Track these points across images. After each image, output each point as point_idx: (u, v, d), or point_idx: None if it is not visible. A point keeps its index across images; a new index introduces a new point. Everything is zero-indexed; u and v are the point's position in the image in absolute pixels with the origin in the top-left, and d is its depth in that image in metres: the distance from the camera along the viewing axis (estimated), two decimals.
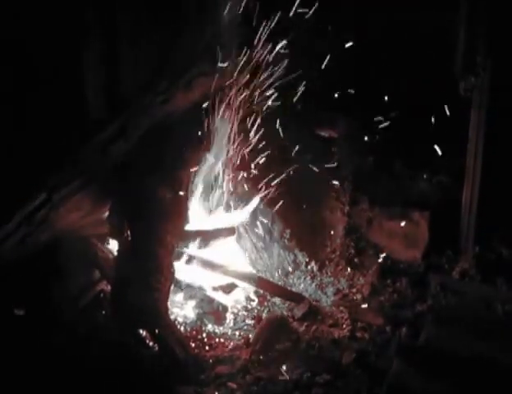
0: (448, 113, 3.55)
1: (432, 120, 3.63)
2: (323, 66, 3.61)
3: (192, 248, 3.36)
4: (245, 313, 3.38)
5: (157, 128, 3.05)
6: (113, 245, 3.34)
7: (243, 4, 3.31)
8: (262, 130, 3.55)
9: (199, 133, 3.21)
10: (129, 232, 3.07)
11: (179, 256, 3.29)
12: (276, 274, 3.67)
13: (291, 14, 3.46)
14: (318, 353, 2.94)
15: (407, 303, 3.28)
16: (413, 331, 2.94)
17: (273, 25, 3.41)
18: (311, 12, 3.47)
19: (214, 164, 3.53)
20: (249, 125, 3.55)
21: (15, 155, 2.94)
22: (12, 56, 2.98)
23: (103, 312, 3.22)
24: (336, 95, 3.75)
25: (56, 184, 2.96)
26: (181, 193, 3.11)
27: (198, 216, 3.52)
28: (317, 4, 3.43)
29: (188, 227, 3.30)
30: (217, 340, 3.18)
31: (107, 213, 3.18)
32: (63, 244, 3.10)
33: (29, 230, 2.87)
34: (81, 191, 3.04)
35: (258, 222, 3.75)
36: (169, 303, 3.10)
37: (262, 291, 3.47)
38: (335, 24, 3.69)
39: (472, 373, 2.50)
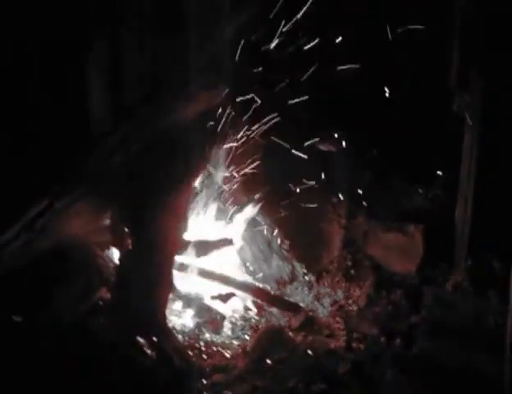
0: (443, 129, 3.62)
1: (428, 135, 3.70)
2: (321, 80, 3.68)
3: (191, 257, 3.40)
4: (243, 323, 3.41)
5: (160, 139, 3.08)
6: (114, 253, 3.38)
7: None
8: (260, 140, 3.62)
9: (201, 145, 3.27)
10: (129, 241, 3.11)
11: (178, 265, 3.33)
12: (274, 284, 3.71)
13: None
14: (314, 362, 2.97)
15: (401, 314, 3.32)
16: (407, 342, 2.98)
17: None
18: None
19: (213, 175, 3.59)
20: (248, 137, 3.61)
21: (17, 162, 2.96)
22: (16, 62, 3.02)
23: (102, 320, 3.24)
24: (334, 109, 3.82)
25: (58, 191, 2.97)
26: (182, 203, 3.15)
27: (197, 225, 3.57)
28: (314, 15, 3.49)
29: (187, 237, 3.34)
30: (214, 348, 3.20)
31: (108, 222, 3.22)
32: (64, 251, 3.12)
33: (30, 236, 2.87)
34: (83, 199, 3.05)
35: (257, 233, 3.80)
36: (167, 311, 3.14)
37: (259, 301, 3.51)
38: (332, 37, 3.75)
39: (463, 384, 2.54)
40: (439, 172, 3.81)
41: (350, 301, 3.57)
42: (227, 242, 3.53)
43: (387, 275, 3.70)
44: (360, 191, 3.93)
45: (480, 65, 3.41)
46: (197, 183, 3.47)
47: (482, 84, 3.43)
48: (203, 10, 3.19)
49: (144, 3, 3.22)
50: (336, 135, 3.99)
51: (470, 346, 2.74)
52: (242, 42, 3.44)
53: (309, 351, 3.06)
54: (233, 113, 3.50)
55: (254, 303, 3.51)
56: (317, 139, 3.91)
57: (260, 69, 3.55)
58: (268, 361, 3.01)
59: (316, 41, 3.60)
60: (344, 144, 3.96)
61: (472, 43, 3.42)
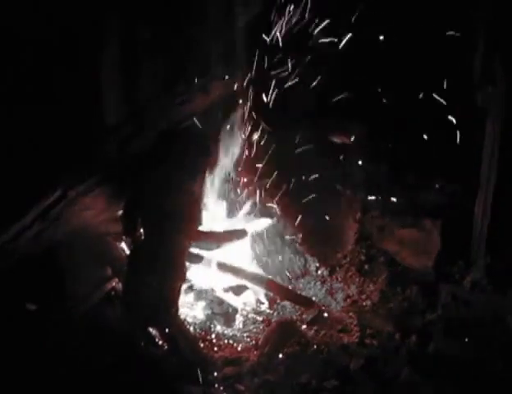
0: (464, 122, 3.54)
1: (447, 128, 3.63)
2: (337, 72, 3.63)
3: (204, 249, 3.38)
4: (255, 316, 3.39)
5: (175, 129, 3.07)
6: (126, 244, 3.37)
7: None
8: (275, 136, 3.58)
9: (217, 135, 3.24)
10: (142, 231, 3.09)
11: (191, 257, 3.31)
12: (287, 278, 3.68)
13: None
14: (327, 358, 2.94)
15: (417, 311, 3.26)
16: (423, 339, 2.93)
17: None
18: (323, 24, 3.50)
19: (228, 167, 3.56)
20: (262, 132, 3.58)
21: (33, 151, 2.97)
22: (33, 56, 3.02)
23: (114, 310, 3.24)
24: (350, 101, 3.76)
25: (71, 181, 2.99)
26: (196, 194, 3.13)
27: (211, 217, 3.55)
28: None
29: (201, 228, 3.31)
30: (225, 341, 3.20)
31: (121, 212, 3.21)
32: (77, 240, 3.13)
33: (43, 226, 2.90)
34: (96, 189, 3.06)
35: (270, 226, 3.76)
36: (179, 303, 3.13)
37: (272, 294, 3.48)
38: (351, 29, 3.69)
39: (481, 384, 2.49)
40: (459, 167, 3.72)
41: (364, 296, 3.52)
42: (242, 234, 3.50)
43: (402, 271, 3.63)
44: (376, 185, 3.86)
45: (504, 58, 3.33)
46: (212, 173, 3.43)
47: (506, 77, 3.34)
48: (216, 3, 3.16)
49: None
50: (351, 128, 3.93)
51: (487, 345, 2.68)
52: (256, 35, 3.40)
53: (322, 346, 3.03)
54: (248, 105, 3.46)
55: (267, 296, 3.48)
56: (332, 132, 3.86)
57: (275, 61, 3.51)
58: (280, 355, 2.99)
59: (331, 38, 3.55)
60: (359, 137, 3.90)
61: (496, 37, 3.33)
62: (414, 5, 3.64)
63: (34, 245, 2.91)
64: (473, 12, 3.41)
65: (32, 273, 2.94)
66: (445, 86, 3.65)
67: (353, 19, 3.59)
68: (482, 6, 3.39)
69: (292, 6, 3.46)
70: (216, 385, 2.83)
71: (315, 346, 3.04)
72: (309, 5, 3.46)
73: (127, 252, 3.29)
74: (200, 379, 2.84)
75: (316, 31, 3.54)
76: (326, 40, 3.59)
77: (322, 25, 3.54)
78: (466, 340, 2.84)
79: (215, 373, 2.90)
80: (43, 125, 3.09)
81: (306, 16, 3.48)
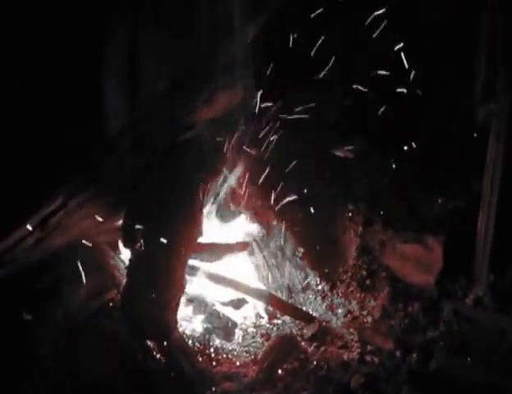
0: (466, 138, 3.54)
1: (450, 144, 3.62)
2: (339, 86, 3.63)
3: (204, 261, 3.36)
4: (254, 330, 3.36)
5: (177, 140, 3.06)
6: (126, 254, 3.35)
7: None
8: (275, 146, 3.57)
9: (219, 146, 3.23)
10: (142, 242, 3.07)
11: (190, 269, 3.28)
12: (287, 292, 3.64)
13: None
14: (327, 375, 2.90)
15: (418, 328, 3.22)
16: (424, 357, 2.89)
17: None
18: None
19: (228, 178, 3.54)
20: (262, 142, 3.57)
21: (34, 160, 2.98)
22: (34, 60, 3.04)
23: (112, 321, 3.21)
24: (354, 116, 3.76)
25: (72, 190, 2.99)
26: (198, 205, 3.11)
27: (211, 229, 3.52)
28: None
29: (201, 240, 3.29)
30: (224, 355, 3.16)
31: (121, 222, 3.20)
32: (76, 250, 3.11)
33: (43, 234, 2.91)
34: (97, 199, 3.06)
35: (271, 239, 3.74)
36: (178, 316, 3.09)
37: (272, 309, 3.45)
38: (352, 46, 3.71)
39: None
40: (461, 183, 3.71)
41: (365, 312, 3.48)
42: (242, 247, 3.47)
43: (404, 287, 3.59)
44: (378, 199, 3.84)
45: (506, 74, 3.33)
46: (214, 185, 3.42)
47: (508, 93, 3.34)
48: (222, 10, 3.17)
49: (162, 3, 3.20)
50: (354, 142, 3.93)
51: (491, 365, 2.64)
52: (261, 44, 3.40)
53: (322, 363, 2.99)
54: (252, 116, 3.45)
55: (267, 311, 3.45)
56: (335, 146, 3.85)
57: (279, 72, 3.51)
58: (279, 371, 2.94)
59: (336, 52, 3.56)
60: (362, 151, 3.89)
61: (498, 53, 3.34)
62: (418, 19, 3.66)
63: (33, 253, 2.91)
64: (476, 28, 3.43)
65: (30, 282, 2.92)
66: (448, 102, 3.64)
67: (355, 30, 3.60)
68: (484, 22, 3.40)
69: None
70: None
71: (315, 363, 3.00)
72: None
73: (126, 263, 3.27)
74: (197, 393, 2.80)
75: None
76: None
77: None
78: (468, 358, 2.80)
79: (213, 389, 2.86)
80: (45, 135, 3.10)
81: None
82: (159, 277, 2.95)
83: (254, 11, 3.27)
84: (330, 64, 3.56)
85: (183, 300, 3.19)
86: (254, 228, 3.69)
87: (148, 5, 3.16)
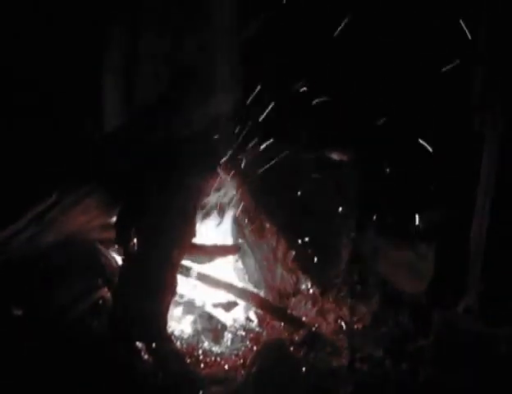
0: (460, 146, 3.54)
1: (444, 152, 3.62)
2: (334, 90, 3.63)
3: (196, 262, 3.33)
4: (243, 334, 3.33)
5: (173, 141, 3.05)
6: (118, 252, 3.31)
7: None
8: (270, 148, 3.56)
9: (215, 149, 3.22)
10: (135, 241, 3.05)
11: (182, 269, 3.25)
12: (278, 296, 3.62)
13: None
14: (315, 381, 2.88)
15: (408, 336, 3.22)
16: (413, 366, 2.89)
17: None
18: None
19: (224, 180, 3.52)
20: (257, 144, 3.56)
21: (29, 156, 2.97)
22: (29, 59, 3.01)
23: (101, 320, 3.18)
24: (349, 120, 3.76)
25: (67, 186, 3.00)
26: (192, 206, 3.09)
27: (203, 231, 3.50)
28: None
29: (194, 241, 3.27)
30: (213, 358, 3.13)
31: (114, 220, 3.17)
32: (69, 247, 3.09)
33: (37, 230, 2.91)
34: (92, 196, 3.04)
35: (262, 242, 3.72)
36: (168, 317, 3.06)
37: (262, 312, 3.42)
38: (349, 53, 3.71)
39: None
40: (454, 190, 3.71)
41: (355, 319, 3.46)
42: (234, 249, 3.45)
43: (395, 294, 3.59)
44: (371, 205, 3.84)
45: (503, 83, 3.33)
46: (208, 187, 3.40)
47: (503, 102, 3.35)
48: (217, 14, 3.16)
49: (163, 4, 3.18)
50: (350, 147, 3.92)
51: (481, 375, 2.63)
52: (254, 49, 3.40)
53: (310, 369, 2.97)
54: (247, 120, 3.44)
55: (257, 314, 3.43)
56: (330, 149, 3.85)
57: (273, 76, 3.50)
58: (268, 376, 2.92)
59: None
60: (357, 154, 3.88)
61: (495, 62, 3.34)
62: (415, 26, 3.66)
63: (27, 247, 2.91)
64: (473, 36, 3.43)
65: (22, 277, 2.89)
66: (443, 110, 3.65)
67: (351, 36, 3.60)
68: (481, 30, 3.41)
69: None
70: None
71: (304, 369, 2.97)
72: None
73: (118, 261, 3.24)
74: None
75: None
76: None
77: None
78: (458, 367, 2.79)
79: (201, 392, 2.83)
80: (41, 131, 3.08)
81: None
82: (150, 278, 2.93)
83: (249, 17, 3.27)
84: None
85: (173, 300, 3.17)
86: (246, 231, 3.67)
87: (146, 3, 3.14)
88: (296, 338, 3.27)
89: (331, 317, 3.48)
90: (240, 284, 3.50)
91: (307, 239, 3.71)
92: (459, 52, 3.49)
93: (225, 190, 3.54)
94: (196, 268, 3.36)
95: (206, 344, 3.22)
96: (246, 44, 3.30)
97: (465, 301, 3.41)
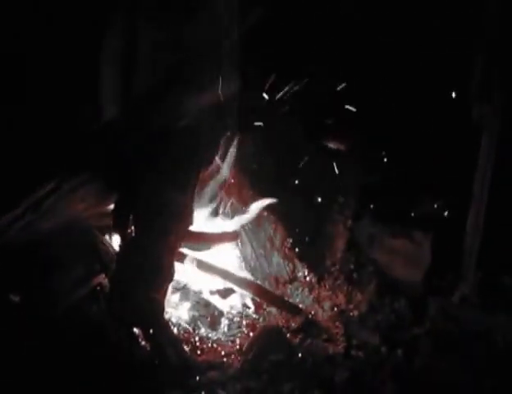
0: (459, 136, 3.54)
1: (442, 141, 3.62)
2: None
3: (194, 249, 3.33)
4: (240, 320, 3.35)
5: (170, 127, 3.03)
6: (115, 239, 3.31)
7: None
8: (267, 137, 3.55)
9: (213, 135, 3.20)
10: (133, 228, 3.04)
11: (179, 256, 3.25)
12: (274, 283, 3.64)
13: None
14: (311, 368, 2.90)
15: (404, 324, 3.24)
16: (409, 354, 2.91)
17: None
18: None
19: (221, 167, 3.51)
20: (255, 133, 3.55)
21: (27, 144, 2.95)
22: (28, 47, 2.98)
23: (98, 306, 3.18)
24: (344, 108, 3.73)
25: (65, 174, 2.98)
26: (189, 194, 3.08)
27: (202, 218, 3.50)
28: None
29: (192, 229, 3.26)
30: (209, 344, 3.15)
31: (112, 207, 3.16)
32: (66, 234, 3.08)
33: (35, 216, 2.90)
34: (90, 183, 3.03)
35: (260, 229, 3.72)
36: (165, 303, 3.07)
37: (258, 299, 3.43)
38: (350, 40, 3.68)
39: None
40: (452, 180, 3.72)
41: (351, 306, 3.49)
42: (232, 236, 3.45)
43: (391, 282, 3.60)
44: (368, 193, 3.84)
45: (502, 75, 3.32)
46: (205, 174, 3.39)
47: (503, 94, 3.34)
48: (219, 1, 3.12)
49: None
50: (348, 135, 3.91)
51: (476, 364, 2.66)
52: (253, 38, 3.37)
53: (307, 355, 2.99)
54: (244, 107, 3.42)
55: (253, 301, 3.44)
56: (328, 136, 3.84)
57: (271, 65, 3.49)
58: (264, 363, 2.94)
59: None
60: (354, 143, 3.88)
61: (495, 53, 3.32)
62: (414, 18, 3.64)
63: (25, 234, 2.89)
64: (474, 28, 3.41)
65: (19, 263, 2.89)
66: (441, 100, 3.64)
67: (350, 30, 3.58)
68: (483, 22, 3.38)
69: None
70: (197, 389, 2.78)
71: (300, 355, 3.00)
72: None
73: (116, 248, 3.23)
74: (182, 382, 2.79)
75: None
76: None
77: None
78: (453, 355, 2.82)
79: (198, 377, 2.85)
80: (38, 118, 3.06)
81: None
82: (148, 264, 2.92)
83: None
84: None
85: (170, 287, 3.17)
86: (244, 218, 3.67)
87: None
88: (293, 325, 3.29)
89: (327, 304, 3.51)
90: (236, 271, 3.50)
91: (304, 226, 3.73)
92: (459, 42, 3.48)
93: (222, 177, 3.53)
94: (193, 254, 3.36)
95: (203, 330, 3.24)
96: (247, 32, 3.27)
97: (461, 289, 3.43)
